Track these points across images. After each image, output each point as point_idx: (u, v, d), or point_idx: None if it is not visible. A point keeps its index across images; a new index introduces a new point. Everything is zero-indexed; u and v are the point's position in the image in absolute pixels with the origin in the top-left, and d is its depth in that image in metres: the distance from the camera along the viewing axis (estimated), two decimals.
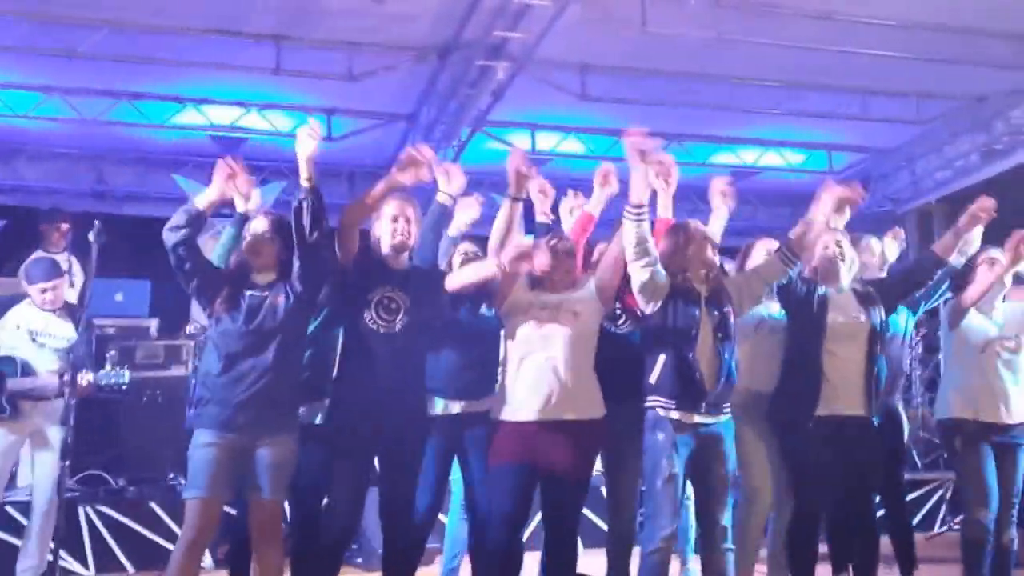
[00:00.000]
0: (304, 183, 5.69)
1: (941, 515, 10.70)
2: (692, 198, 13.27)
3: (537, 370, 5.95)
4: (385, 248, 6.11)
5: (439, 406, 6.44)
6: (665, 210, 6.70)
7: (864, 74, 10.92)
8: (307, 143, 5.67)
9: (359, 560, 8.43)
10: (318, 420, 6.15)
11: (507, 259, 5.81)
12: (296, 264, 5.73)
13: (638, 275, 6.04)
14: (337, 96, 11.25)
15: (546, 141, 12.70)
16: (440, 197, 6.41)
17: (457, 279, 6.16)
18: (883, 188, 13.78)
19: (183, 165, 12.76)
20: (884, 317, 6.74)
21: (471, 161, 12.08)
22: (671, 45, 9.84)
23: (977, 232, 7.08)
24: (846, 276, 6.74)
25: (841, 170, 13.94)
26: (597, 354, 6.22)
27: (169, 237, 5.60)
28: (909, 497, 9.73)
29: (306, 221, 5.67)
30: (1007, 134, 11.61)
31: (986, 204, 6.77)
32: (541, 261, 5.79)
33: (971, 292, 6.94)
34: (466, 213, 6.90)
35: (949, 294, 7.14)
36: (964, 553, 6.94)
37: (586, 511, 8.02)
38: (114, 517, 8.53)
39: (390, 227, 6.09)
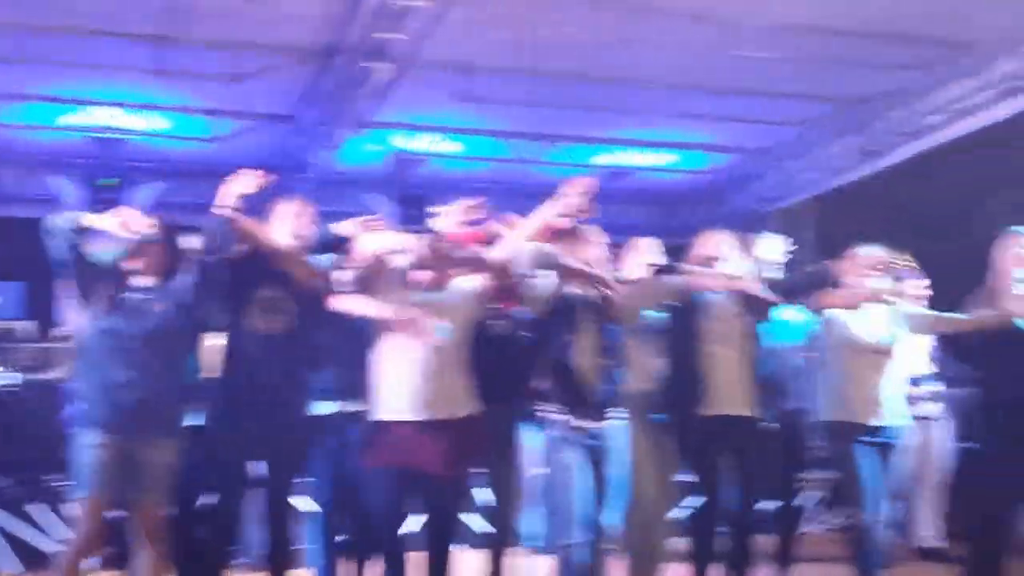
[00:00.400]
0: (221, 213, 5.65)
1: (816, 514, 10.62)
2: None
3: (410, 370, 5.84)
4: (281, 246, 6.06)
5: (327, 407, 6.39)
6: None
7: (743, 75, 10.95)
8: (248, 183, 5.67)
9: (244, 560, 8.27)
10: (200, 421, 6.08)
11: (399, 321, 5.77)
12: (189, 281, 5.72)
13: (526, 285, 6.13)
14: (218, 97, 11.10)
15: (427, 141, 12.67)
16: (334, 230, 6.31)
17: (342, 304, 5.98)
18: (755, 188, 13.91)
19: (63, 166, 12.42)
20: (759, 319, 6.87)
21: (352, 162, 12.08)
22: (551, 46, 9.84)
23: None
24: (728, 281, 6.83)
25: (716, 170, 14.12)
26: (477, 355, 6.21)
27: (61, 236, 5.54)
28: None
29: (216, 244, 5.68)
30: (884, 135, 11.75)
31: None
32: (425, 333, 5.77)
33: (829, 300, 7.02)
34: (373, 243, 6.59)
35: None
36: (846, 550, 7.01)
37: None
38: None
39: (281, 226, 6.08)
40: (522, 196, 12.43)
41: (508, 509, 6.83)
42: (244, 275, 5.94)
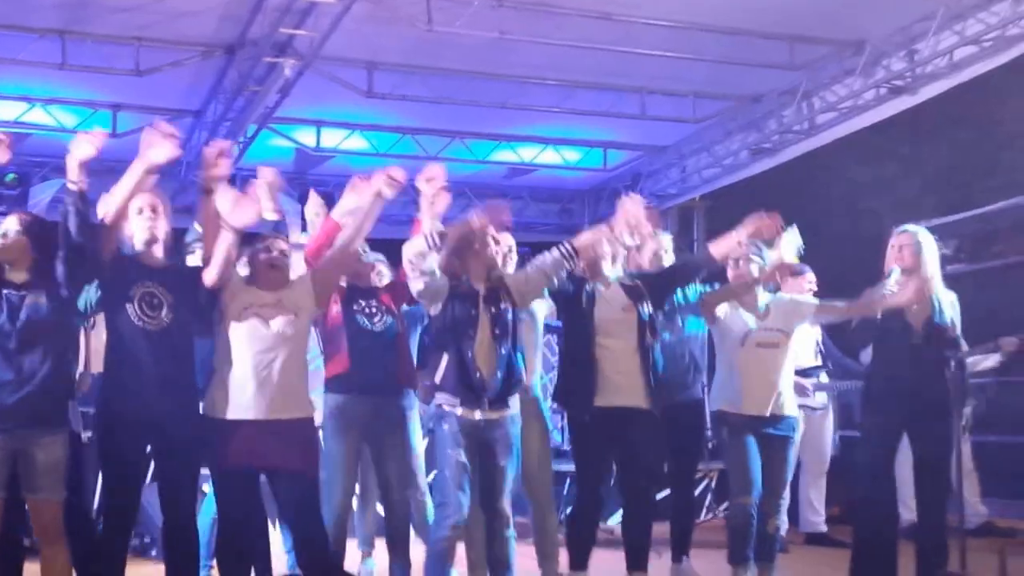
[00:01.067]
0: (71, 186, 5.57)
1: (707, 503, 11.04)
2: (468, 194, 13.55)
3: (255, 369, 5.80)
4: (138, 244, 5.90)
5: None
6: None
7: (642, 74, 11.08)
8: (85, 148, 5.56)
9: (153, 552, 8.28)
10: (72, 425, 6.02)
11: (231, 213, 5.73)
12: (60, 268, 5.61)
13: (415, 285, 6.17)
14: (123, 91, 11.06)
15: (331, 138, 12.68)
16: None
17: (214, 265, 5.82)
18: (652, 185, 13.93)
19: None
20: (652, 310, 6.88)
21: (256, 157, 12.01)
22: (455, 44, 9.88)
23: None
24: (611, 271, 6.89)
25: (615, 167, 14.21)
26: (357, 351, 6.54)
27: None
28: None
29: (72, 224, 5.52)
30: (777, 133, 11.86)
31: (772, 222, 6.85)
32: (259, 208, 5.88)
33: (712, 295, 7.19)
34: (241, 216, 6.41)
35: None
36: (729, 537, 7.13)
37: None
38: None
39: (139, 221, 5.88)
40: None
41: (400, 500, 6.97)
42: (118, 271, 5.83)
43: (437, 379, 6.25)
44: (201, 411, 5.94)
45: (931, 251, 7.07)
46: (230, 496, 5.95)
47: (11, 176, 11.57)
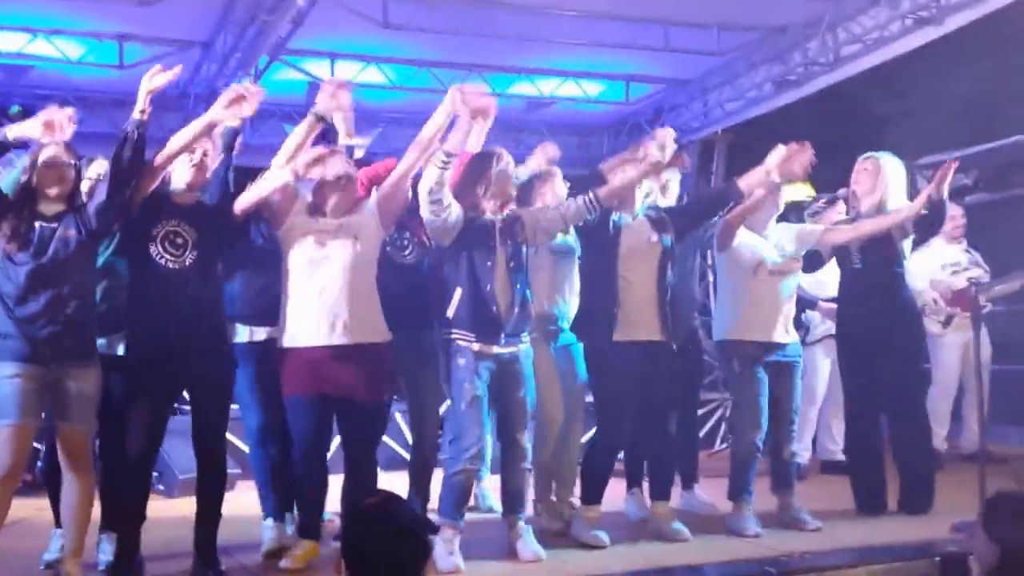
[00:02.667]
0: (137, 115, 5.56)
1: (721, 433, 11.05)
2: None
3: (319, 295, 5.93)
4: (179, 183, 5.91)
5: (242, 333, 6.48)
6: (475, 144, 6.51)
7: (665, 5, 10.71)
8: (158, 80, 5.60)
9: (160, 487, 8.25)
10: (120, 351, 6.03)
11: (302, 163, 5.84)
12: (99, 199, 5.66)
13: (429, 217, 6.03)
14: (130, 22, 10.50)
15: (346, 70, 12.09)
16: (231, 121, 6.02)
17: (250, 196, 5.93)
18: (674, 119, 13.52)
19: None
20: (675, 241, 6.88)
21: (268, 91, 11.55)
22: None
23: None
24: (640, 202, 6.85)
25: (637, 101, 13.79)
26: (387, 284, 6.32)
27: None
28: None
29: (127, 154, 5.53)
30: (802, 65, 11.56)
31: (803, 154, 6.78)
32: (335, 166, 5.84)
33: (737, 210, 7.02)
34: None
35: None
36: (732, 467, 7.20)
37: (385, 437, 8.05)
38: None
39: (187, 162, 5.87)
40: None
41: (429, 433, 7.11)
42: (144, 208, 5.79)
43: (450, 313, 6.18)
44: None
45: (893, 175, 7.45)
46: (300, 421, 6.04)
47: (15, 108, 11.09)
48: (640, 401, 6.74)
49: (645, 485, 7.38)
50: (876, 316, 7.39)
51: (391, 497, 3.72)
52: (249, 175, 6.21)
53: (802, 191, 8.53)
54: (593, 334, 6.82)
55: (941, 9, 9.83)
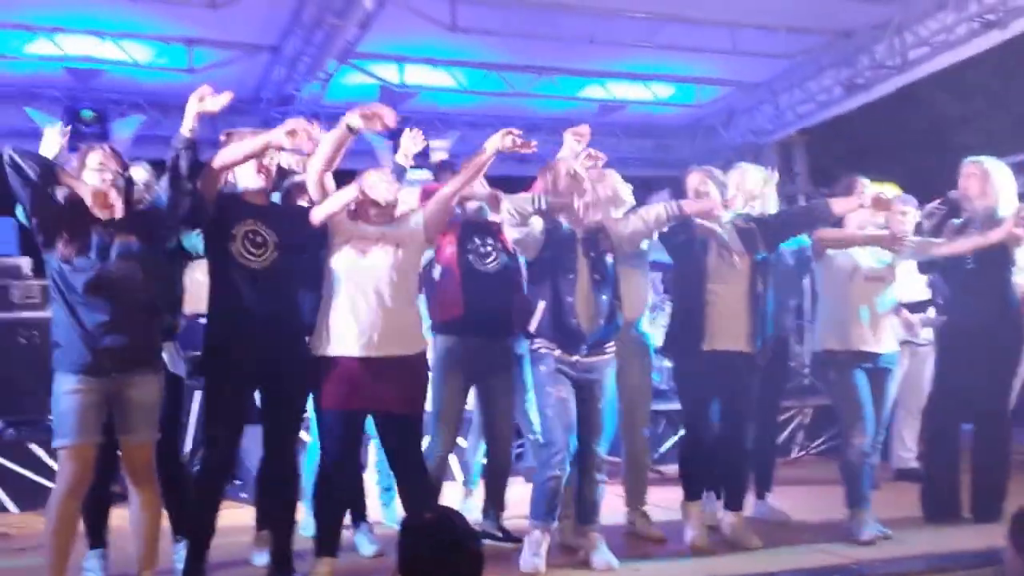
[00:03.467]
0: (188, 133, 5.47)
1: (799, 440, 10.77)
2: (561, 131, 13.17)
3: (359, 304, 5.79)
4: (251, 184, 5.85)
5: None
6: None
7: (733, 8, 10.57)
8: (209, 104, 5.48)
9: (244, 495, 8.09)
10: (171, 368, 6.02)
11: (367, 185, 5.83)
12: (158, 208, 5.55)
13: (511, 232, 6.14)
14: (198, 25, 10.42)
15: (415, 74, 12.06)
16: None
17: (324, 209, 5.81)
18: (747, 122, 13.61)
19: (36, 98, 11.57)
20: (767, 254, 6.79)
21: (338, 96, 11.52)
22: None
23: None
24: (725, 214, 6.74)
25: (707, 103, 13.71)
26: (468, 292, 6.42)
27: (18, 173, 5.22)
28: None
29: (183, 166, 5.44)
30: (870, 68, 11.52)
31: (900, 204, 7.03)
32: (390, 116, 5.69)
33: (830, 234, 6.98)
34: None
35: None
36: (846, 479, 7.02)
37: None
38: None
39: (254, 167, 5.80)
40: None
41: (503, 441, 6.94)
42: (221, 209, 5.73)
43: (533, 327, 6.17)
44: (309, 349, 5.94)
45: (1002, 179, 7.31)
46: (332, 436, 5.88)
47: (88, 113, 11.11)
48: (722, 407, 6.73)
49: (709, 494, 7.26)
50: (984, 319, 7.26)
51: (447, 512, 3.71)
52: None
53: (889, 189, 8.44)
54: (680, 349, 6.84)
55: (1008, 12, 9.81)
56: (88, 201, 5.24)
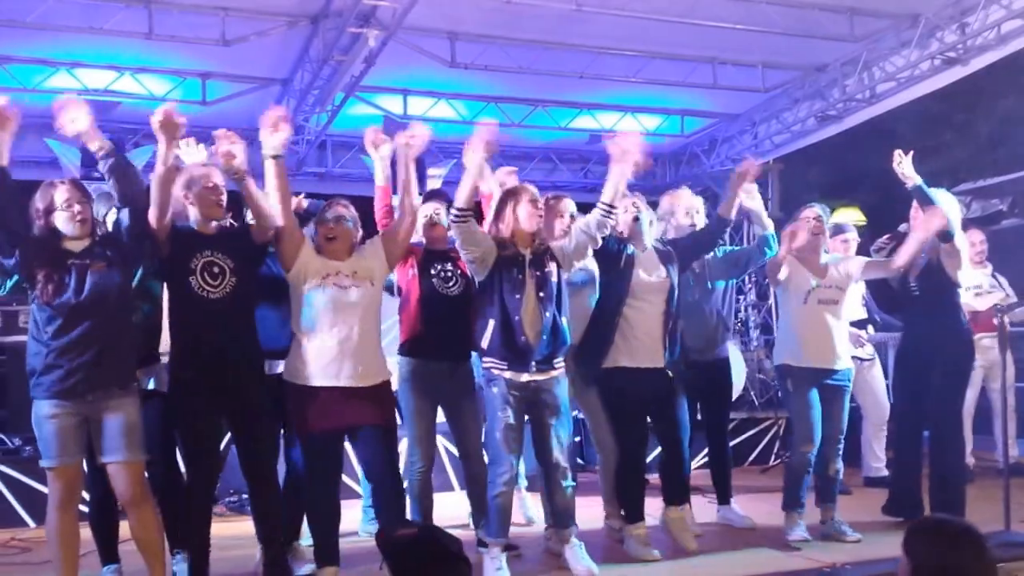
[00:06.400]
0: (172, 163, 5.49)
1: (775, 450, 10.84)
2: (552, 159, 13.29)
3: (334, 337, 5.76)
4: (196, 216, 5.75)
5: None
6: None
7: (713, 45, 10.77)
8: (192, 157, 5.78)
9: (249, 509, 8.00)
10: (151, 385, 5.97)
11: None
12: (124, 223, 5.48)
13: (465, 256, 6.12)
14: (211, 60, 10.53)
15: (417, 105, 12.18)
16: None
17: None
18: (728, 149, 13.82)
19: (55, 129, 11.56)
20: (679, 275, 6.89)
21: (344, 126, 11.64)
22: (534, 15, 9.58)
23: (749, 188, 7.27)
24: (648, 236, 6.81)
25: (692, 133, 13.89)
26: (433, 315, 6.44)
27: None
28: (748, 434, 10.81)
29: (128, 182, 5.46)
30: (841, 101, 11.76)
31: (748, 166, 7.07)
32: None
33: (781, 252, 7.04)
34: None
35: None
36: (786, 482, 7.21)
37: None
38: (11, 475, 8.13)
39: (207, 199, 5.73)
40: (511, 158, 12.16)
41: (474, 454, 6.76)
42: (176, 241, 5.66)
43: (484, 344, 6.13)
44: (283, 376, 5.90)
45: (948, 210, 7.23)
46: (317, 458, 5.85)
47: None
48: (654, 422, 6.83)
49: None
50: (931, 339, 7.41)
51: (424, 527, 3.80)
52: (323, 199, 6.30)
53: (850, 216, 8.48)
54: (588, 359, 6.81)
55: (968, 50, 10.07)
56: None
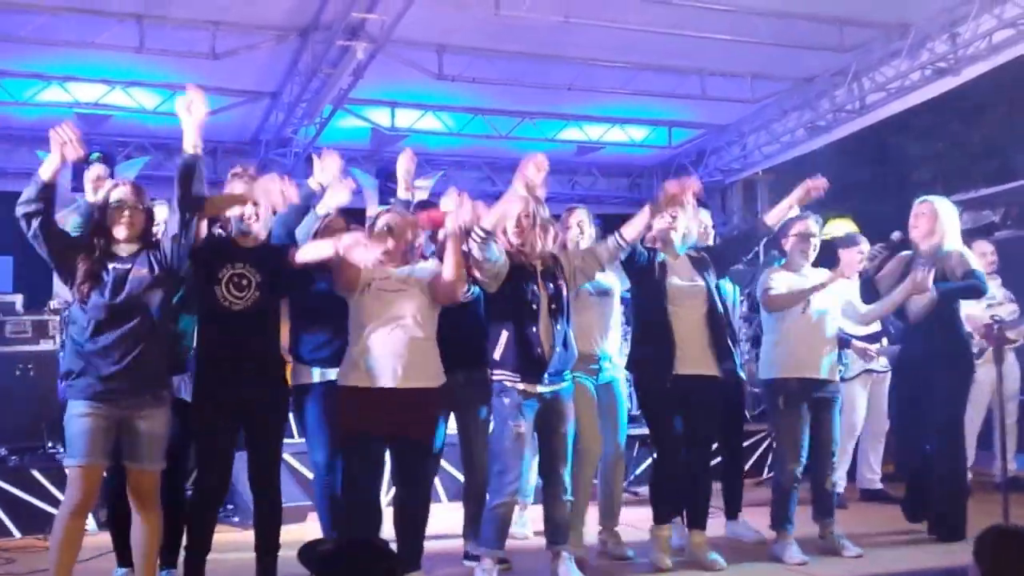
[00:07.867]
0: (192, 150, 5.47)
1: (768, 463, 10.70)
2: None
3: (385, 341, 5.83)
4: (233, 231, 5.97)
5: (315, 374, 6.37)
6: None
7: (702, 56, 10.69)
8: (198, 110, 5.51)
9: (235, 519, 8.16)
10: (182, 394, 5.99)
11: (344, 247, 5.62)
12: (171, 230, 5.46)
13: (482, 268, 6.05)
14: (201, 73, 10.22)
15: (405, 118, 12.16)
16: (312, 184, 6.11)
17: (300, 255, 5.85)
18: (716, 161, 13.71)
19: (47, 142, 11.51)
20: (717, 280, 6.89)
21: (333, 137, 11.59)
22: (522, 27, 9.47)
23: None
24: (680, 243, 6.80)
25: (679, 145, 13.80)
26: (444, 324, 6.20)
27: (21, 211, 5.24)
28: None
29: (196, 186, 5.44)
30: (831, 112, 11.67)
31: (819, 183, 6.85)
32: (371, 254, 5.66)
33: (780, 300, 7.07)
34: (336, 197, 6.44)
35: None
36: (775, 501, 7.13)
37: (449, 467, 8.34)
38: None
39: (239, 212, 5.89)
40: (499, 170, 12.21)
41: (479, 469, 6.74)
42: (210, 252, 5.83)
43: (496, 355, 6.14)
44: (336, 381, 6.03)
45: (949, 219, 7.41)
46: (359, 460, 5.94)
47: (96, 155, 11.10)
48: (687, 431, 6.71)
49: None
50: (931, 351, 7.36)
51: (347, 541, 3.90)
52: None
53: (842, 227, 8.46)
54: (650, 369, 6.73)
55: (959, 60, 9.97)
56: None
